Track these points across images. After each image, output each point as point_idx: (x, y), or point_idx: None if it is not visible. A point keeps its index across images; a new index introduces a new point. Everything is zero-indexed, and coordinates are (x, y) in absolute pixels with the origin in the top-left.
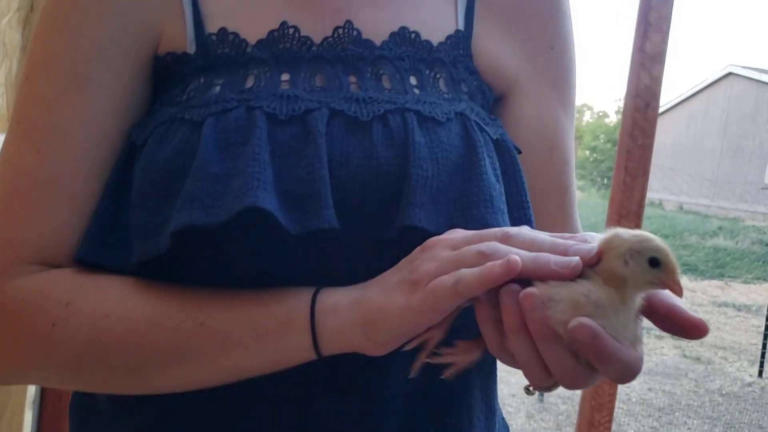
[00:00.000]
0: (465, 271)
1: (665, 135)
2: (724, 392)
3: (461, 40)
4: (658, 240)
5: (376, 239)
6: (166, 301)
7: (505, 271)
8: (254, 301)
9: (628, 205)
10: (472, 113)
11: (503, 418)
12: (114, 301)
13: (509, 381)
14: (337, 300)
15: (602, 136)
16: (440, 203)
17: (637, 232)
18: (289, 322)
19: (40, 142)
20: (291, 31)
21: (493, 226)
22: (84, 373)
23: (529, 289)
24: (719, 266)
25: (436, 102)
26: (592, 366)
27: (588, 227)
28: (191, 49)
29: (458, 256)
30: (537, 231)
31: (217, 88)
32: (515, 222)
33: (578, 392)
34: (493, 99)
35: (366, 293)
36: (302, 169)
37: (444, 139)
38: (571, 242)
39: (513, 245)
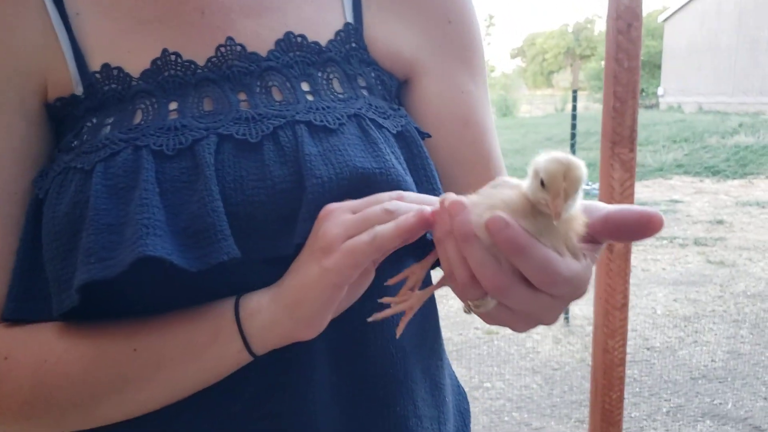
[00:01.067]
0: (380, 227)
1: (678, 36)
2: (749, 294)
3: (352, 33)
4: (554, 162)
5: (283, 257)
6: (99, 335)
7: (420, 221)
8: (182, 319)
9: (620, 131)
10: (369, 110)
11: (458, 385)
12: (49, 344)
13: None
14: (259, 299)
15: None
16: None
17: (553, 154)
18: (218, 331)
19: None
20: (173, 57)
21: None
22: (36, 418)
23: (457, 197)
24: (741, 165)
25: (329, 106)
26: (518, 277)
27: None
28: (78, 90)
29: (365, 216)
30: (423, 195)
31: (107, 129)
32: None
33: None
34: (397, 85)
35: (284, 281)
36: (194, 204)
37: (338, 144)
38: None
39: (408, 202)
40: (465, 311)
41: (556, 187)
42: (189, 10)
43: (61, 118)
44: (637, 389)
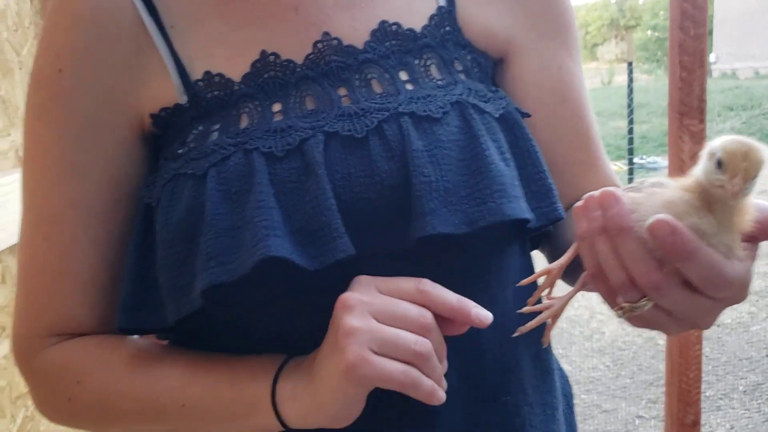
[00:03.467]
0: (406, 378)
1: (729, 1)
2: None
3: (446, 16)
4: (734, 142)
5: (397, 251)
6: (154, 383)
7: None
8: (227, 384)
9: (688, 101)
10: (469, 96)
11: (561, 368)
12: (113, 382)
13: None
14: (294, 386)
15: (662, 12)
16: (453, 203)
17: (729, 137)
18: (257, 408)
19: (44, 228)
20: (272, 58)
21: (511, 216)
22: (104, 429)
23: (610, 189)
24: None
25: (430, 94)
26: (678, 277)
27: (657, 111)
28: (182, 99)
29: (386, 342)
30: (441, 288)
31: (215, 135)
32: (534, 197)
33: None
34: (492, 65)
35: (313, 370)
36: (308, 204)
37: (443, 137)
38: (471, 304)
39: (427, 301)
40: (617, 315)
41: (735, 165)
42: (283, 9)
43: (164, 127)
44: (710, 367)
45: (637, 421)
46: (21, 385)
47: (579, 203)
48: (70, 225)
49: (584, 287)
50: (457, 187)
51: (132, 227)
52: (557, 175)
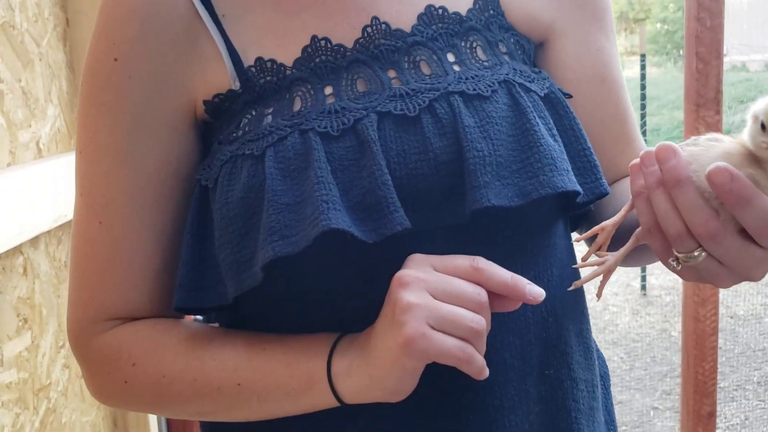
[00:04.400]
0: (463, 354)
1: None
2: None
3: (489, 1)
4: None
5: (451, 226)
6: (209, 364)
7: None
8: (281, 362)
9: (704, 93)
10: (515, 76)
11: (598, 349)
12: (169, 361)
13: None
14: (350, 362)
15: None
16: (505, 177)
17: None
18: (312, 384)
19: (99, 214)
20: (323, 43)
21: (562, 188)
22: (158, 412)
23: (665, 143)
24: None
25: (477, 75)
26: (734, 226)
27: (668, 104)
28: (235, 85)
29: (443, 318)
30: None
31: (269, 118)
32: (580, 173)
33: (680, 282)
34: (534, 49)
35: (368, 346)
36: (364, 180)
37: (493, 114)
38: (525, 281)
39: (481, 278)
40: (672, 266)
41: None
42: None
43: (218, 112)
44: (724, 359)
45: (651, 413)
46: (43, 378)
47: (634, 161)
48: (124, 211)
49: (639, 242)
50: (508, 161)
51: (184, 211)
52: (597, 154)
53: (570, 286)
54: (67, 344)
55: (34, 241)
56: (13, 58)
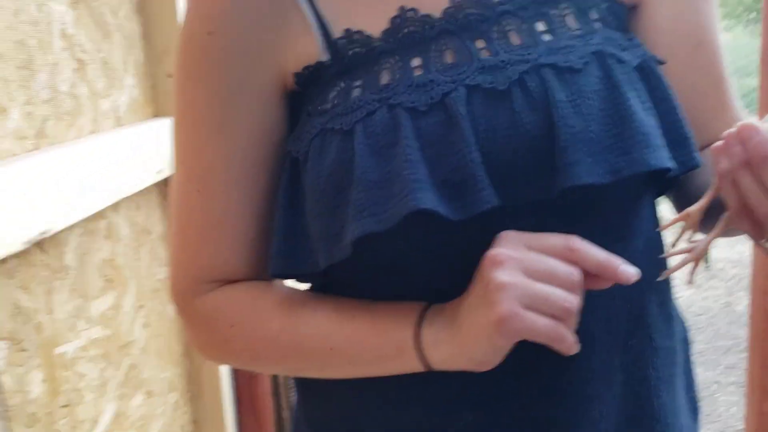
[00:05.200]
0: (555, 334)
1: None
2: None
3: None
4: None
5: (540, 202)
6: (301, 327)
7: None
8: (371, 330)
9: None
10: (608, 45)
11: (681, 317)
12: (266, 324)
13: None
14: (437, 333)
15: None
16: (597, 153)
17: None
18: (401, 352)
19: (197, 182)
20: (410, 13)
21: (655, 166)
22: (256, 368)
23: (746, 122)
24: None
25: (569, 45)
26: None
27: (739, 70)
28: (324, 57)
29: (536, 298)
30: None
31: (357, 91)
32: (672, 145)
33: (748, 255)
34: (627, 12)
35: (457, 319)
36: (453, 156)
37: (585, 88)
38: (619, 260)
39: (576, 258)
40: (765, 250)
41: None
42: None
43: (307, 84)
44: None
45: (714, 387)
46: (125, 335)
47: (717, 143)
48: (222, 178)
49: (728, 226)
50: (600, 138)
51: (276, 178)
52: (690, 120)
53: (653, 255)
54: (147, 304)
55: (115, 206)
56: (94, 30)
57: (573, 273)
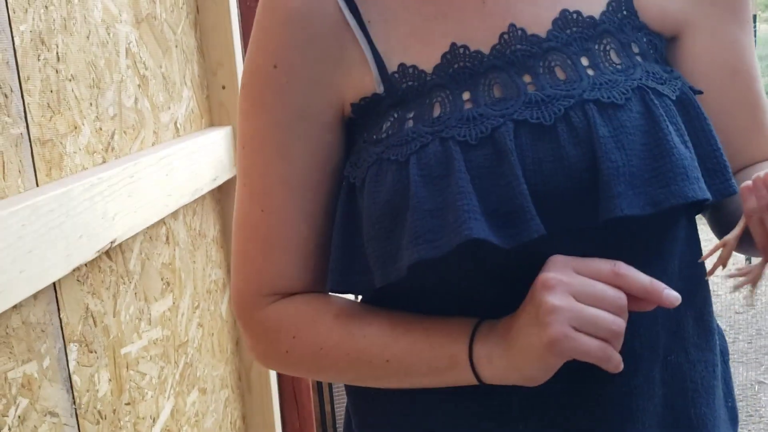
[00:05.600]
0: (603, 354)
1: None
2: None
3: (622, 2)
4: None
5: (584, 229)
6: (359, 340)
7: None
8: (426, 343)
9: None
10: (648, 79)
11: (719, 327)
12: (327, 335)
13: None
14: (490, 350)
15: None
16: (637, 186)
17: None
18: (455, 365)
19: (260, 202)
20: (461, 50)
21: (693, 198)
22: (316, 377)
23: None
24: None
25: (612, 79)
26: None
27: None
28: (380, 89)
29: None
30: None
31: (410, 122)
32: (708, 173)
33: None
34: (666, 44)
35: (510, 337)
36: (502, 188)
37: (627, 123)
38: (662, 286)
39: (622, 283)
40: None
41: None
42: (470, 1)
43: (363, 114)
44: None
45: (756, 387)
46: (182, 335)
47: (747, 183)
48: (282, 199)
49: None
50: (641, 171)
51: (334, 198)
52: (726, 144)
53: (690, 274)
54: (201, 305)
55: (175, 213)
56: (155, 46)
57: (620, 297)
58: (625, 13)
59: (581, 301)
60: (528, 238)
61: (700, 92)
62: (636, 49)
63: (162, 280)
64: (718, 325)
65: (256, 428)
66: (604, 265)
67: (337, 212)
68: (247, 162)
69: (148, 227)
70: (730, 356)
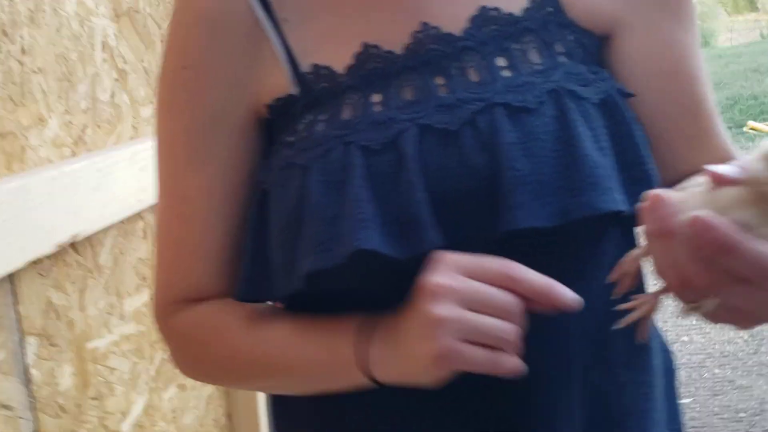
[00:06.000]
0: (492, 364)
1: None
2: None
3: None
4: None
5: (491, 241)
6: (263, 345)
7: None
8: (323, 349)
9: None
10: (568, 81)
11: (664, 343)
12: (230, 344)
13: None
14: (382, 354)
15: None
16: (545, 195)
17: None
18: (351, 370)
19: (176, 208)
20: (373, 50)
21: (605, 210)
22: (229, 386)
23: (656, 192)
24: None
25: (527, 81)
26: (733, 273)
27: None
28: (294, 90)
29: (473, 331)
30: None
31: (321, 125)
32: (632, 182)
33: None
34: (597, 43)
35: (402, 357)
36: (401, 196)
37: (538, 128)
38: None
39: (513, 285)
40: (684, 312)
41: None
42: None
43: (278, 115)
44: None
45: None
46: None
47: (644, 202)
48: (198, 205)
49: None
50: (551, 179)
51: (250, 205)
52: (667, 150)
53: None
54: None
55: (152, 207)
56: (137, 41)
57: (510, 302)
58: (550, 9)
59: (469, 308)
60: (421, 250)
61: (632, 95)
62: (560, 49)
63: (137, 275)
64: (663, 343)
65: (241, 426)
66: (493, 266)
67: (249, 219)
68: (162, 168)
69: (122, 221)
70: (750, 368)
